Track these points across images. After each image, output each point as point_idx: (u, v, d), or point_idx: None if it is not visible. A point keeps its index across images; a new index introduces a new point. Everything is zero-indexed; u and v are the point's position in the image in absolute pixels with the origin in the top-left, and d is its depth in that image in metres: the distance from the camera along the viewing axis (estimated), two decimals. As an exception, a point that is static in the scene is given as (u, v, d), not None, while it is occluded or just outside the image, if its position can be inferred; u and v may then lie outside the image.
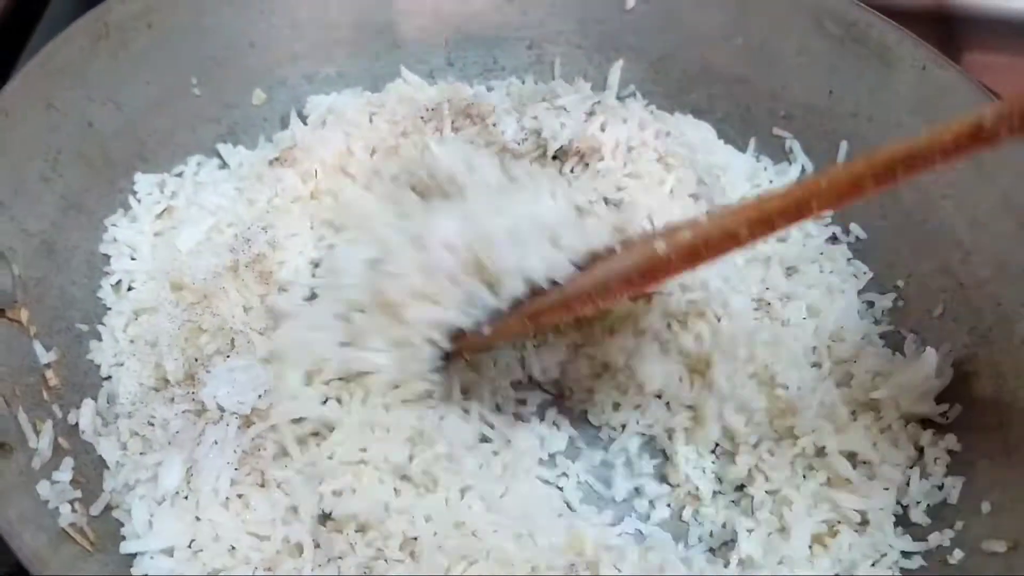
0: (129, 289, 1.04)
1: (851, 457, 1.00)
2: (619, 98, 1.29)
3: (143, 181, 1.10)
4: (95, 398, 0.95)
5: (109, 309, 1.02)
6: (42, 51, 1.01)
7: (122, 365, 0.98)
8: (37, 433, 0.86)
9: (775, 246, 1.18)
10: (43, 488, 0.83)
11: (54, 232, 1.00)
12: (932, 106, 1.14)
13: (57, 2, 1.33)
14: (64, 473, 0.86)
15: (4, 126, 0.95)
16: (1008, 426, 0.99)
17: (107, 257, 1.05)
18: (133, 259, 1.05)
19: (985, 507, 0.95)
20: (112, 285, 1.03)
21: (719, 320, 1.06)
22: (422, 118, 1.19)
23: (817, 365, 1.07)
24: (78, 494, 0.85)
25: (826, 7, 1.20)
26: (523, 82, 1.30)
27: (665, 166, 1.19)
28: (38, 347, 0.92)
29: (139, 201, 1.08)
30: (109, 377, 0.97)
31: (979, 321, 1.06)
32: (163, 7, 1.12)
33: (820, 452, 1.00)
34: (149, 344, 0.98)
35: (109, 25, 1.07)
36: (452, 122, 1.19)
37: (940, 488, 0.99)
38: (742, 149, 1.26)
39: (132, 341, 0.99)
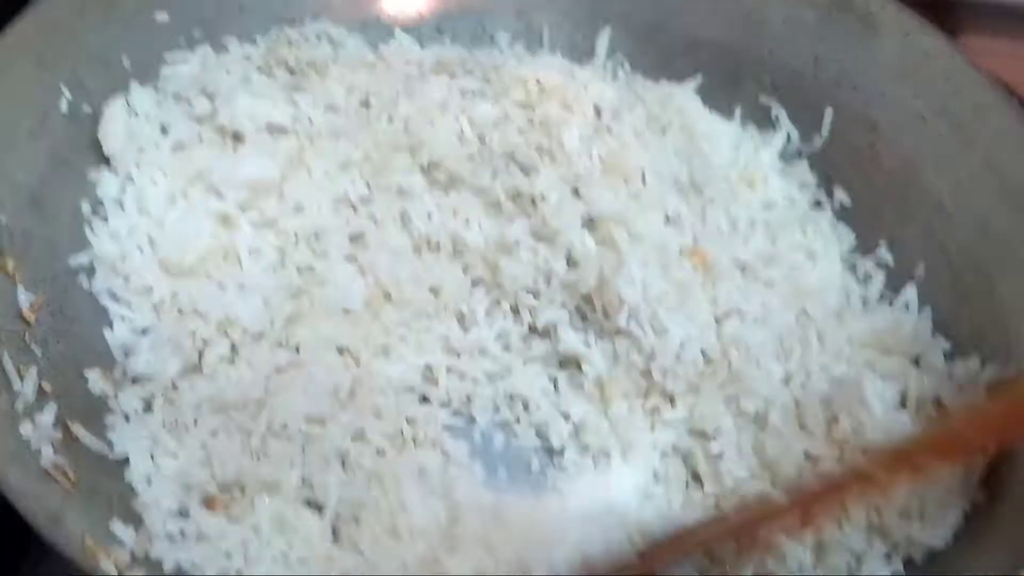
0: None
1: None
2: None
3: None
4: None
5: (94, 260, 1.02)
6: (33, 8, 1.02)
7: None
8: (21, 378, 0.87)
9: (761, 212, 1.19)
10: (26, 429, 0.84)
11: (41, 186, 1.01)
12: (916, 73, 1.15)
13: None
14: (47, 416, 0.86)
15: (-8, 80, 0.96)
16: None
17: (95, 212, 1.05)
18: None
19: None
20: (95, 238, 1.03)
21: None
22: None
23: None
24: (59, 435, 0.86)
25: (812, -24, 1.21)
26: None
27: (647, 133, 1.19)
28: (21, 294, 0.93)
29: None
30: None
31: (960, 282, 1.07)
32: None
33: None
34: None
35: (99, -16, 1.08)
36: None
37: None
38: (728, 117, 1.26)
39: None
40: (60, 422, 0.87)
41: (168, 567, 0.83)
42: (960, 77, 1.12)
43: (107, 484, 0.87)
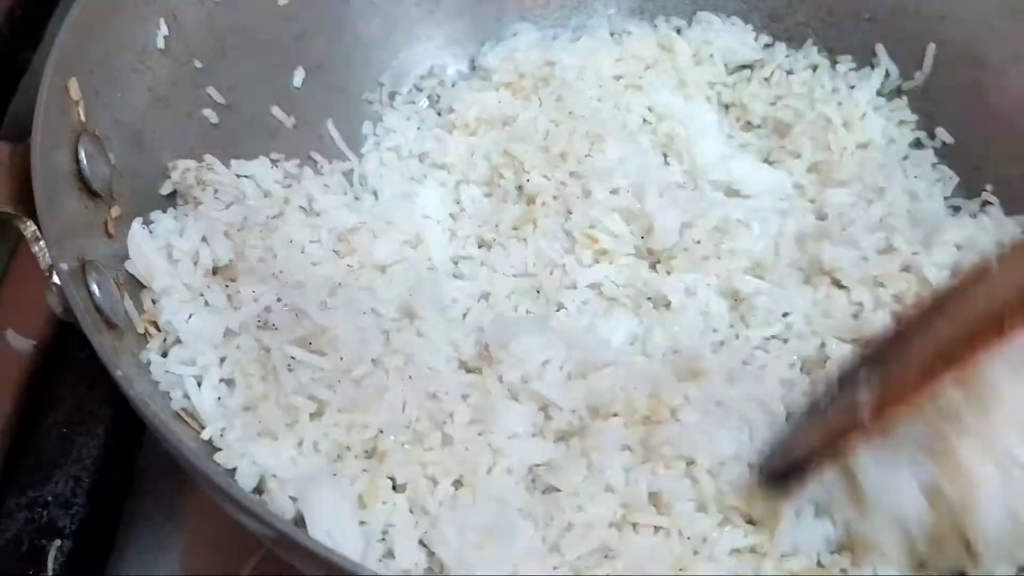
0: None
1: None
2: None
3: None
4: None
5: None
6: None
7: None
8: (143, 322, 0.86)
9: (856, 153, 1.17)
10: (157, 370, 0.83)
11: (142, 123, 0.99)
12: (1025, 9, 1.12)
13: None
14: (172, 363, 0.85)
15: (99, 14, 0.94)
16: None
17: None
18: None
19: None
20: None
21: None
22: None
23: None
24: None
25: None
26: None
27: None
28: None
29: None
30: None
31: (1072, 226, 1.05)
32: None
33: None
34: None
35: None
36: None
37: None
38: (826, 56, 1.23)
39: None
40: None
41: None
42: (1071, 13, 1.09)
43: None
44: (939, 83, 1.18)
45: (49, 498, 0.93)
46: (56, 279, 0.77)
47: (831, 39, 1.24)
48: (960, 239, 1.01)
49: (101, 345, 0.73)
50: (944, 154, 1.17)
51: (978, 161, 1.14)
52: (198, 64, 1.06)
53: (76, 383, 1.00)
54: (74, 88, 0.89)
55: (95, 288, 0.80)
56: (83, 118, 0.90)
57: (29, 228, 0.79)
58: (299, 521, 0.78)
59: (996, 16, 1.14)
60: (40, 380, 1.02)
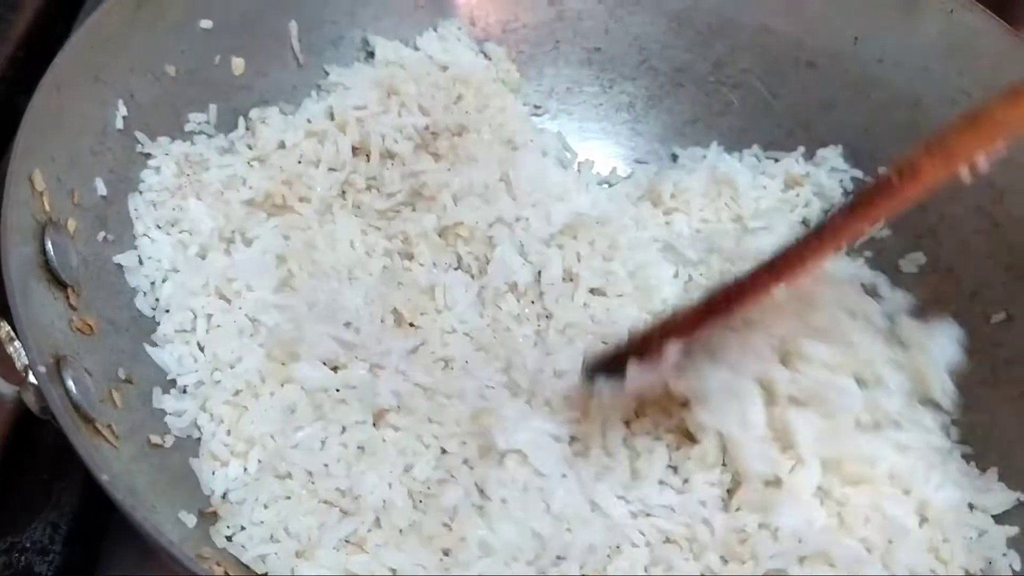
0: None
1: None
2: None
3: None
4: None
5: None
6: (86, 23, 0.99)
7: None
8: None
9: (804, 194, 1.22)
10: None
11: (105, 206, 1.00)
12: (961, 50, 1.16)
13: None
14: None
15: (58, 100, 0.94)
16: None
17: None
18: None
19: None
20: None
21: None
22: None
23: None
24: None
25: (849, -48, 1.21)
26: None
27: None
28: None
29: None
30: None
31: (1015, 259, 1.09)
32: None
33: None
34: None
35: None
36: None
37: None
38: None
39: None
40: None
41: None
42: (1006, 52, 1.13)
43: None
44: (880, 124, 1.22)
45: (27, 544, 0.95)
46: (32, 379, 0.77)
47: (774, 85, 1.28)
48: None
49: (84, 448, 0.73)
50: (888, 194, 1.21)
51: (921, 199, 1.18)
52: (159, 141, 1.08)
53: (57, 430, 1.00)
54: (38, 179, 0.89)
55: (71, 384, 0.80)
56: (47, 208, 0.90)
57: (3, 329, 0.78)
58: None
59: (931, 57, 1.18)
60: (21, 426, 1.01)
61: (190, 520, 0.86)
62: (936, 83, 1.18)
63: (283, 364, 0.99)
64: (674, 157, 1.30)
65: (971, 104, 1.14)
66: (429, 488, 0.93)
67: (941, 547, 0.90)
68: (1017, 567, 0.87)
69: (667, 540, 0.92)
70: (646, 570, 0.90)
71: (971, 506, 0.94)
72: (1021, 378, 1.04)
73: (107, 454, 0.83)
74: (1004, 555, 0.89)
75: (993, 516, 0.94)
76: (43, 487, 0.99)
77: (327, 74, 1.23)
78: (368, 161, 1.15)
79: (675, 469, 0.96)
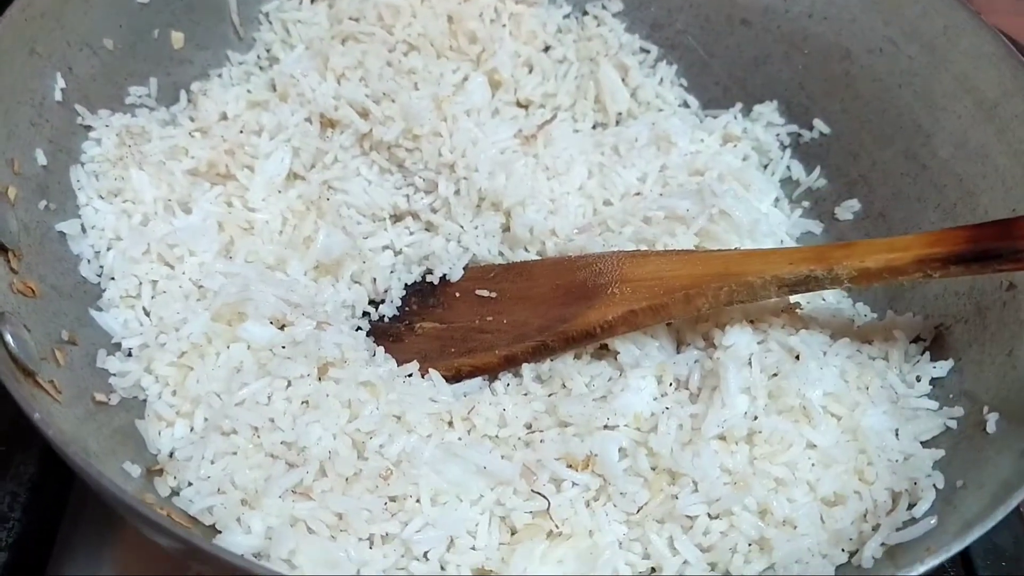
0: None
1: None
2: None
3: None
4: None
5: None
6: (18, -1, 1.01)
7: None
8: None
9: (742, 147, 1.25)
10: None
11: (46, 176, 1.01)
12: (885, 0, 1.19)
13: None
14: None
15: (-7, 70, 0.96)
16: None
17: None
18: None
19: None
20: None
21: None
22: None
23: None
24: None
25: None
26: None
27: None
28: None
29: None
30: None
31: (944, 199, 1.12)
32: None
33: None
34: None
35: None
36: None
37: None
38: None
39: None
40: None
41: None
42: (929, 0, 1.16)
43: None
44: (813, 77, 1.25)
45: (-14, 513, 0.97)
46: (-30, 333, 0.78)
47: (709, 44, 1.30)
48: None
49: (19, 393, 0.75)
50: (822, 143, 1.24)
51: (853, 148, 1.21)
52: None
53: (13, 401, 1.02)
54: (-24, 148, 0.91)
55: (8, 338, 0.81)
56: (-14, 176, 0.92)
57: (-59, 285, 0.80)
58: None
59: (859, 9, 1.21)
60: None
61: (135, 471, 0.87)
62: (864, 34, 1.21)
63: (229, 324, 1.00)
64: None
65: (897, 52, 1.18)
66: (372, 438, 0.94)
67: (866, 470, 0.93)
68: (941, 486, 0.89)
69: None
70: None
71: (897, 432, 0.96)
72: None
73: (53, 410, 0.84)
74: (928, 476, 0.90)
75: (921, 442, 0.96)
76: (1, 458, 1.00)
77: (268, 48, 1.25)
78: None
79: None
